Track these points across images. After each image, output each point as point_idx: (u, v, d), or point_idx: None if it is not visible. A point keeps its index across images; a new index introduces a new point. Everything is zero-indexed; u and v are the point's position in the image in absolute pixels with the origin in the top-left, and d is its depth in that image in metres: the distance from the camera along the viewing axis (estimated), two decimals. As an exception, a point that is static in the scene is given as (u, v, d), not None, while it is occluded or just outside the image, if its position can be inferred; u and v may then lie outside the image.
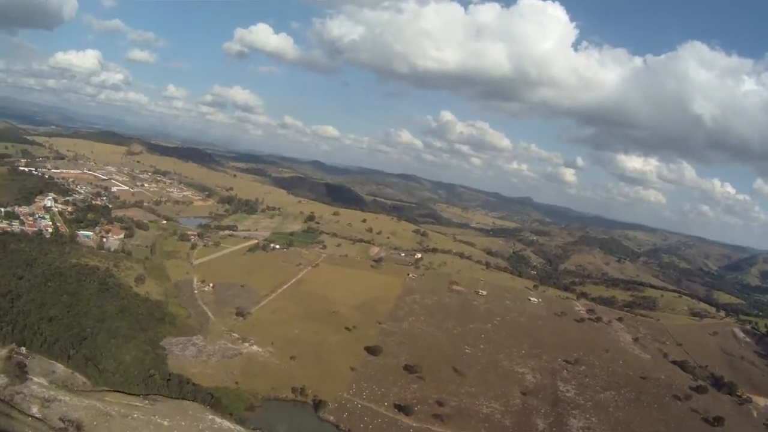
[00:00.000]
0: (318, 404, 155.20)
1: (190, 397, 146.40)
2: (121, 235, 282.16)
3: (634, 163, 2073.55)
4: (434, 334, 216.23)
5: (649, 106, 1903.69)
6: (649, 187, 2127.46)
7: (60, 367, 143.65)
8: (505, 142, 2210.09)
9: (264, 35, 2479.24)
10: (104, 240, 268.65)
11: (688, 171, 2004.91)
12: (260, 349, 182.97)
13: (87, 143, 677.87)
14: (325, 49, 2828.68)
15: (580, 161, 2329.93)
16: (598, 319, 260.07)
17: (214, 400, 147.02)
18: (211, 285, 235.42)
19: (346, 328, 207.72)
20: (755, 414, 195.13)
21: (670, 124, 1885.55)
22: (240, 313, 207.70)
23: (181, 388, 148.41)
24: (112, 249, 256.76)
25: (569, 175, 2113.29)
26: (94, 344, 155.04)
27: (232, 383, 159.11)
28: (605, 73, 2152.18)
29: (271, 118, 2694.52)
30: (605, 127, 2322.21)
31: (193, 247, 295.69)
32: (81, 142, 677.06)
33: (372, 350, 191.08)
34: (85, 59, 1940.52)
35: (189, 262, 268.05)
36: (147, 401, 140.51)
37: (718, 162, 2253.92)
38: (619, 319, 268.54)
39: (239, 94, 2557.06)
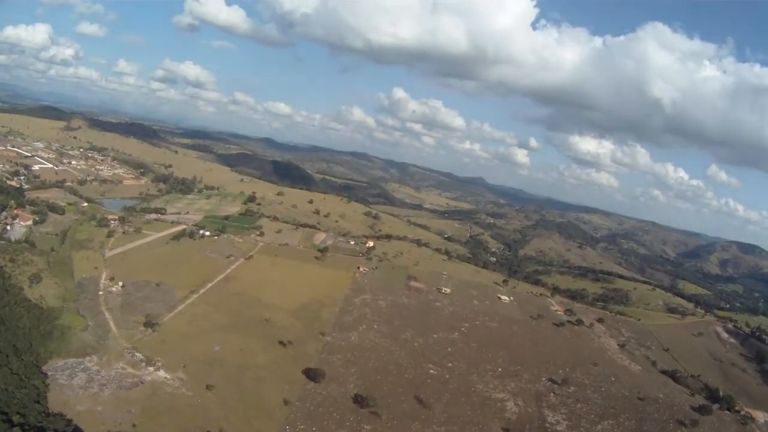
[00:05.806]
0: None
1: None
2: (30, 222, 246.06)
3: (587, 145, 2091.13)
4: (390, 349, 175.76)
5: (607, 88, 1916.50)
6: (601, 169, 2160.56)
7: None
8: (458, 121, 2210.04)
9: (215, 7, 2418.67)
10: (8, 227, 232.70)
11: (642, 155, 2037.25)
12: (168, 376, 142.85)
13: (24, 119, 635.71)
14: (277, 22, 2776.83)
15: (533, 142, 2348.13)
16: (579, 322, 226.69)
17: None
18: (120, 284, 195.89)
19: (281, 343, 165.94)
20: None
21: (627, 107, 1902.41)
22: (149, 323, 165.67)
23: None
24: (14, 239, 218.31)
25: (521, 156, 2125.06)
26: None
27: (129, 426, 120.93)
28: (564, 53, 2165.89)
29: (222, 95, 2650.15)
30: (561, 108, 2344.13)
31: (110, 234, 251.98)
32: (18, 118, 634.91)
33: (312, 374, 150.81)
34: (35, 34, 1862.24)
35: (101, 254, 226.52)
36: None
37: (673, 146, 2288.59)
38: (600, 320, 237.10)
39: (190, 69, 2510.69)
